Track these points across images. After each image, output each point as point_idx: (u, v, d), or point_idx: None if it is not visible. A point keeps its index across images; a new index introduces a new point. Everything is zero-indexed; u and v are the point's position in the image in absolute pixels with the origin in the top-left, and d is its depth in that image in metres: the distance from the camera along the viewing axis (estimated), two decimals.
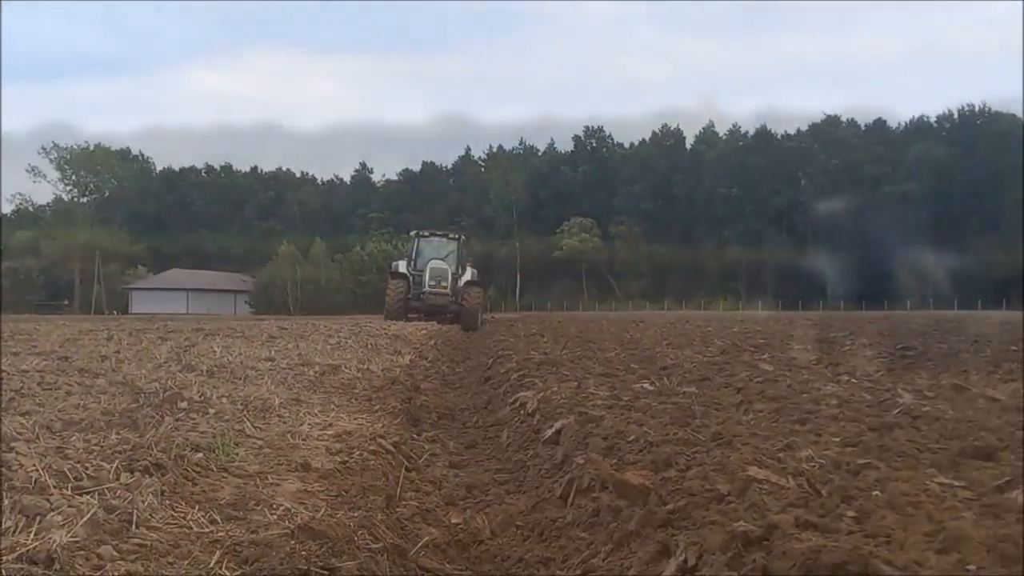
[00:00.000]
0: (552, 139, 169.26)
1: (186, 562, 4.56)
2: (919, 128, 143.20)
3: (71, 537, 4.44)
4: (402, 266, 50.43)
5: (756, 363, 14.41)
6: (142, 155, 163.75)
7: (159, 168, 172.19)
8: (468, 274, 49.36)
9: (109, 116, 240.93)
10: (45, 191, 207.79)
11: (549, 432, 8.54)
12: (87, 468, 5.80)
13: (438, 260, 48.75)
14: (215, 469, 6.48)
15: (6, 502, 4.87)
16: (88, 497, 5.17)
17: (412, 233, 54.88)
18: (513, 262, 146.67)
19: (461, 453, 9.38)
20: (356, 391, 11.97)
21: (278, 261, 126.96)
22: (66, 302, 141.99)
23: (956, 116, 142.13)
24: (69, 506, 4.92)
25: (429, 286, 46.95)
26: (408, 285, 47.46)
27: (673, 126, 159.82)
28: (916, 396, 9.48)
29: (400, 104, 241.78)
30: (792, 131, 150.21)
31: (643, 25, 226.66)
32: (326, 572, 4.49)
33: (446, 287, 47.00)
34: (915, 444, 6.55)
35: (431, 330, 30.71)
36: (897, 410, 8.37)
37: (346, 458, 7.44)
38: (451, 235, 54.06)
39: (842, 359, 16.10)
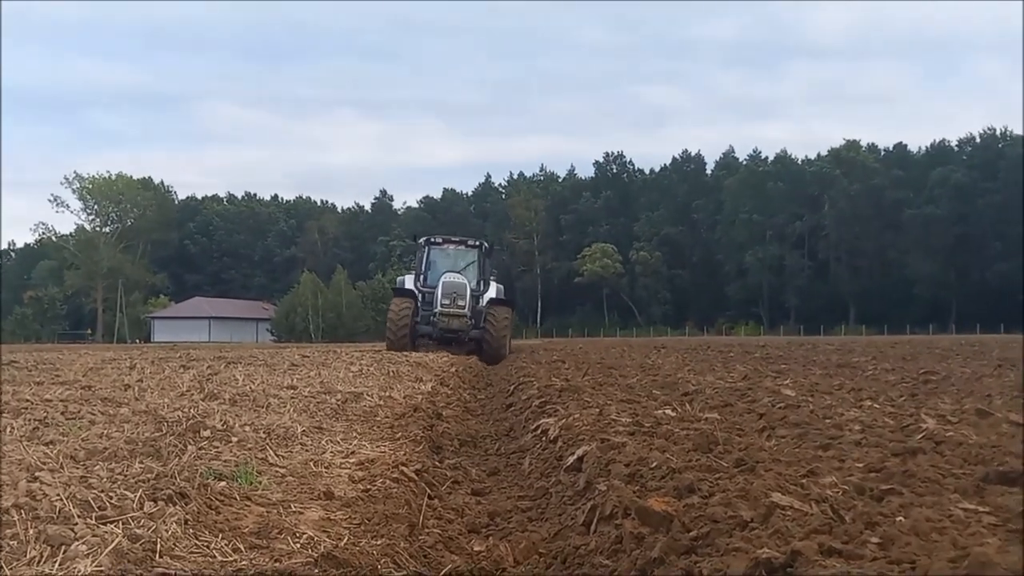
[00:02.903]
0: (573, 165, 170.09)
1: None
2: (940, 152, 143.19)
3: (96, 567, 4.46)
4: (409, 281, 41.11)
5: (778, 388, 14.37)
6: (163, 184, 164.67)
7: (181, 197, 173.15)
8: (492, 291, 40.23)
9: (130, 146, 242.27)
10: (67, 221, 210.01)
11: (571, 459, 8.51)
12: (111, 497, 5.81)
13: (453, 274, 39.12)
14: (238, 498, 6.49)
15: (31, 531, 4.89)
16: (112, 526, 5.18)
17: (420, 240, 43.27)
18: (534, 288, 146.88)
19: (483, 480, 9.36)
20: (378, 419, 11.98)
21: (299, 289, 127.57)
22: (89, 331, 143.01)
23: (978, 140, 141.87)
24: (93, 535, 4.93)
25: (442, 306, 37.59)
26: (416, 305, 38.82)
27: (693, 152, 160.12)
28: (939, 421, 9.44)
29: (421, 133, 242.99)
30: (813, 156, 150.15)
31: (658, 52, 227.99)
32: None
33: (463, 307, 37.66)
34: (939, 470, 6.52)
35: (452, 357, 30.61)
36: (920, 435, 8.33)
37: (369, 486, 7.45)
38: (470, 242, 43.44)
39: (864, 384, 16.05)
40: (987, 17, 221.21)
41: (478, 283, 40.16)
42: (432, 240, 42.83)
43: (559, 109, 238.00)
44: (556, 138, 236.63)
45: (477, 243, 43.04)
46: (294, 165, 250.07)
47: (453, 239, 44.12)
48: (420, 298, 39.30)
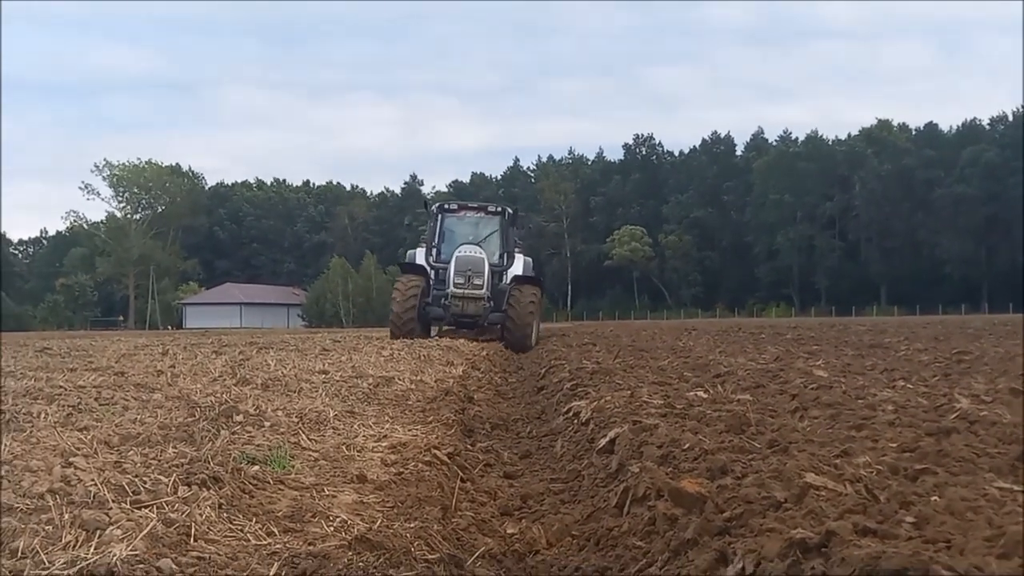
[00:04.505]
0: (601, 148, 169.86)
1: (244, 574, 4.58)
2: (971, 131, 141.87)
3: (131, 551, 4.47)
4: (420, 255, 34.68)
5: (810, 369, 14.27)
6: (192, 171, 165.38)
7: (210, 184, 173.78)
8: (518, 266, 33.84)
9: (159, 133, 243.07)
10: (98, 208, 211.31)
11: (603, 441, 8.48)
12: (145, 482, 5.83)
13: (470, 247, 32.83)
14: (271, 482, 6.50)
15: (66, 516, 4.91)
16: (147, 511, 5.20)
17: (434, 207, 36.57)
18: (564, 271, 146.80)
19: (515, 463, 9.35)
20: (410, 402, 11.98)
21: (329, 274, 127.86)
22: (121, 318, 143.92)
23: (1010, 118, 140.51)
24: (128, 520, 4.94)
25: (455, 285, 31.61)
26: (427, 283, 32.68)
27: (723, 133, 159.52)
28: (973, 401, 9.36)
29: (444, 117, 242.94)
30: (843, 136, 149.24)
31: (681, 34, 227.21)
32: None
33: (480, 286, 31.59)
34: (973, 449, 6.47)
35: (481, 341, 30.41)
36: (954, 415, 8.26)
37: (401, 469, 7.44)
38: (491, 208, 36.39)
39: (897, 364, 15.95)
40: None
41: (500, 257, 34.26)
42: (446, 207, 36.55)
43: (580, 92, 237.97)
44: (583, 122, 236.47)
45: (499, 209, 36.19)
46: (318, 150, 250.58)
47: (471, 205, 37.49)
48: (433, 275, 33.42)
